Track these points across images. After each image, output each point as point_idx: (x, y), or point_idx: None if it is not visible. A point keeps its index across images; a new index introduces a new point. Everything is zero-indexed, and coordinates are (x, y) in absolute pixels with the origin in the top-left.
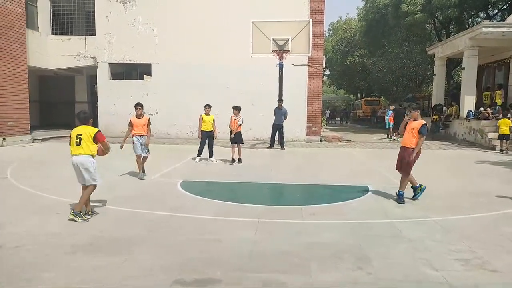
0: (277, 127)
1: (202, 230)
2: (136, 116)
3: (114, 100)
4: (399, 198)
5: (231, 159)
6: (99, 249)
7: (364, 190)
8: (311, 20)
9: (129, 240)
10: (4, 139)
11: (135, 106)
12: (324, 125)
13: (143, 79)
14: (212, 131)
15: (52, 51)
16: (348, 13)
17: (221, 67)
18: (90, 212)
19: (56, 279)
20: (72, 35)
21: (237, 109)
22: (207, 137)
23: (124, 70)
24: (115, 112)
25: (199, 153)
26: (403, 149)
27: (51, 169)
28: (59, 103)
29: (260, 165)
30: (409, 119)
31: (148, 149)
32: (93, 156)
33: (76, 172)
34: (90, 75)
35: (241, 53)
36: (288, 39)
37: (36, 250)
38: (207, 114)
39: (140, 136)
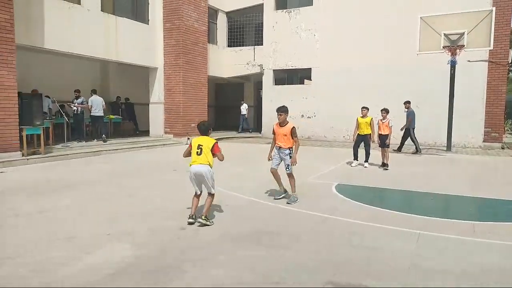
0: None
1: (357, 235)
2: (278, 123)
3: (277, 103)
4: None
5: (381, 163)
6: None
7: None
8: (494, 8)
9: (288, 235)
10: (188, 138)
11: (276, 111)
12: (508, 130)
13: (303, 83)
14: (367, 134)
15: (226, 61)
16: None
17: (382, 68)
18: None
19: (228, 263)
20: (243, 46)
21: (386, 111)
22: (361, 141)
23: (286, 75)
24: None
25: (355, 157)
26: None
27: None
28: (231, 107)
29: (422, 172)
30: None
31: (289, 166)
32: (211, 166)
33: (196, 181)
34: (256, 81)
35: (405, 52)
36: (463, 33)
37: (211, 235)
38: (363, 116)
39: (279, 148)
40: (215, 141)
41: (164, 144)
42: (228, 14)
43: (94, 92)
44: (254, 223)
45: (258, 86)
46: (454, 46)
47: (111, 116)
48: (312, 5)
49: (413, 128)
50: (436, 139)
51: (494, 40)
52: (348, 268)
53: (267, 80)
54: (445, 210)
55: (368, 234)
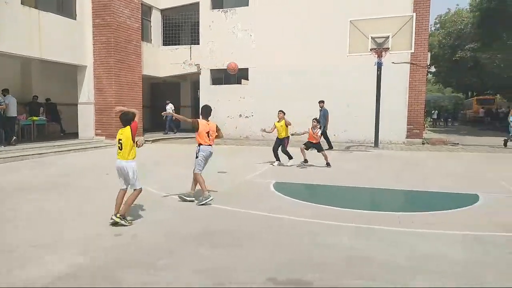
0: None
1: (297, 232)
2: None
3: (214, 103)
4: None
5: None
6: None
7: (473, 199)
8: (414, 14)
9: (230, 235)
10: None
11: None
12: (427, 127)
13: (241, 83)
14: (284, 138)
15: (162, 60)
16: (457, 4)
17: (315, 68)
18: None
19: (175, 265)
20: (179, 45)
21: (317, 120)
22: (279, 144)
23: (224, 75)
24: (215, 115)
25: (276, 158)
26: None
27: (162, 168)
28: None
29: (354, 168)
30: None
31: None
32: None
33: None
34: (193, 81)
35: (336, 54)
36: (388, 36)
37: (153, 238)
38: (279, 120)
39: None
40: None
41: (95, 147)
42: (162, 11)
43: (6, 91)
44: (197, 224)
45: (195, 86)
46: (380, 48)
47: (35, 118)
48: (247, 5)
49: (324, 126)
50: (365, 136)
51: (415, 43)
52: (290, 264)
53: (204, 79)
54: (374, 203)
55: (308, 230)
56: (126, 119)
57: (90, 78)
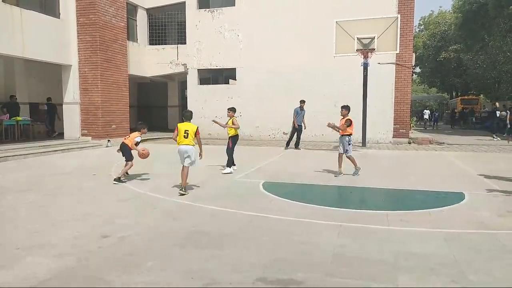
0: (300, 129)
1: (285, 231)
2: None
3: (201, 103)
4: None
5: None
6: (192, 243)
7: (459, 197)
8: (399, 16)
9: (219, 235)
10: (108, 140)
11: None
12: (413, 126)
13: (229, 83)
14: (229, 136)
15: (148, 60)
16: (441, 6)
17: (303, 69)
18: None
19: (162, 267)
20: (166, 44)
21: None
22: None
23: (211, 75)
24: (203, 115)
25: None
26: None
27: (147, 167)
28: (154, 107)
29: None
30: None
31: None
32: (193, 146)
33: (181, 157)
34: (181, 81)
35: (323, 54)
36: (374, 37)
37: (139, 241)
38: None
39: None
40: (197, 126)
41: (81, 148)
42: (148, 10)
43: None
44: (184, 225)
45: (183, 85)
46: (366, 49)
47: (18, 118)
48: (234, 5)
49: (300, 125)
50: (353, 136)
51: (400, 44)
52: (279, 264)
53: (192, 79)
54: (362, 202)
55: (296, 230)
56: (187, 115)
57: (75, 77)
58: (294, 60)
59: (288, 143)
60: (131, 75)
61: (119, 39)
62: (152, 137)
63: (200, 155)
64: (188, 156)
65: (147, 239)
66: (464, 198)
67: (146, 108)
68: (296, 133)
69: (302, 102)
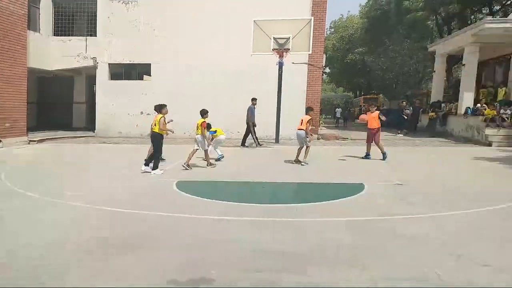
0: (254, 125)
1: (199, 230)
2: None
3: (112, 100)
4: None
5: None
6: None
7: (360, 188)
8: (312, 18)
9: (130, 241)
10: (0, 140)
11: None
12: (322, 123)
13: (143, 79)
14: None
15: (53, 52)
16: (349, 11)
17: (219, 66)
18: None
19: (63, 275)
20: (73, 36)
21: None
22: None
23: (124, 70)
24: (113, 112)
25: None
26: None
27: (40, 171)
28: (58, 103)
29: (253, 164)
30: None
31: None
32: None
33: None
34: (89, 75)
35: (241, 53)
36: (289, 38)
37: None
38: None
39: None
40: (203, 120)
41: None
42: None
43: None
44: (90, 229)
45: (91, 80)
46: (281, 49)
47: None
48: None
49: (253, 123)
50: (268, 133)
51: (312, 45)
52: (192, 264)
53: (102, 74)
54: (274, 197)
55: (211, 228)
56: (201, 112)
57: None
58: (211, 57)
59: (243, 142)
60: (31, 68)
61: (18, 27)
62: (55, 137)
63: (206, 142)
64: (196, 143)
65: (51, 248)
66: (364, 189)
67: (48, 105)
68: (252, 130)
69: (254, 100)
